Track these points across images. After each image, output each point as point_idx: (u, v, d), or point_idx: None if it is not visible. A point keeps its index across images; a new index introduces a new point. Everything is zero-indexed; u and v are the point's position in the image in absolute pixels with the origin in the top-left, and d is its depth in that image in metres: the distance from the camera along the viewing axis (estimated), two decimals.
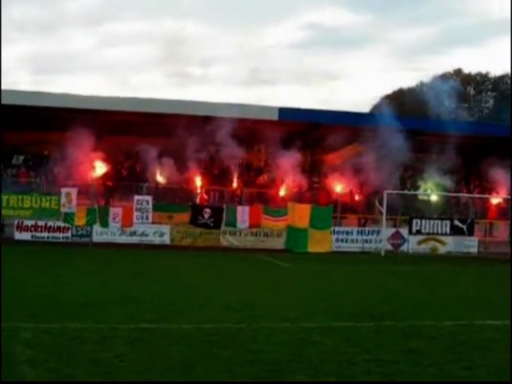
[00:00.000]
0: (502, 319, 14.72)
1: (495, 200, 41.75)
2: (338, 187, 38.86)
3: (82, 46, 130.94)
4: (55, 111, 35.44)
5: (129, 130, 38.24)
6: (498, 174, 40.25)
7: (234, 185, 38.69)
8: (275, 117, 38.71)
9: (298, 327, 12.83)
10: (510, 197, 39.91)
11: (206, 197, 37.99)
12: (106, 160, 37.65)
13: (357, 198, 39.49)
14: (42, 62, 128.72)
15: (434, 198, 40.98)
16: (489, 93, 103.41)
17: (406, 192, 40.55)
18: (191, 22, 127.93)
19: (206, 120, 35.99)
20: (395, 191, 38.69)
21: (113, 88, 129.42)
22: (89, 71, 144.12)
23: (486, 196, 42.24)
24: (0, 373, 7.32)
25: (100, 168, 37.34)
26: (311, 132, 40.37)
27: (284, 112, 39.18)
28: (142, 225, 34.87)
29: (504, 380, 8.04)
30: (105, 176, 37.50)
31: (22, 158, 38.45)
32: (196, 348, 10.56)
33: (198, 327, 12.38)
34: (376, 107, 78.93)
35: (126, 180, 38.48)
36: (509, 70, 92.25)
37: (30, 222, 34.24)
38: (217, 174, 39.06)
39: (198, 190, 37.59)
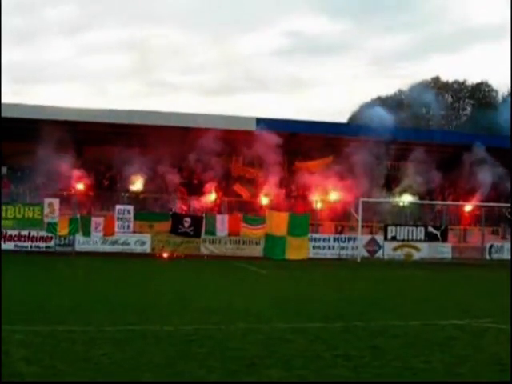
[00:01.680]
0: (466, 319, 15.62)
1: (468, 207, 42.76)
2: (316, 196, 39.76)
3: (61, 55, 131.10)
4: (37, 123, 35.99)
5: (109, 140, 38.89)
6: (472, 182, 41.34)
7: (213, 195, 39.37)
8: (253, 127, 39.41)
9: (272, 328, 13.70)
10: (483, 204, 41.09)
11: (184, 207, 38.81)
12: (87, 170, 38.38)
13: (334, 206, 40.24)
14: (20, 71, 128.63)
15: (408, 205, 41.91)
16: (466, 100, 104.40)
17: (381, 200, 41.46)
18: (170, 30, 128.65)
19: (185, 130, 36.81)
20: (371, 199, 39.63)
21: (91, 97, 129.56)
22: (67, 80, 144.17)
23: (460, 203, 43.27)
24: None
25: (81, 178, 38.07)
26: (289, 142, 41.14)
27: (262, 122, 39.88)
28: (123, 234, 35.63)
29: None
30: (86, 186, 38.22)
31: (5, 168, 39.01)
32: (177, 347, 11.40)
33: (179, 329, 13.22)
34: (355, 115, 79.91)
35: (107, 190, 39.23)
36: (485, 78, 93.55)
37: (13, 232, 34.93)
38: (196, 184, 39.81)
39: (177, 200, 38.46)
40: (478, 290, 24.25)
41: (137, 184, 38.78)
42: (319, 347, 11.72)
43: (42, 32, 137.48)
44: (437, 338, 12.99)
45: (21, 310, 14.93)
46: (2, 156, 37.32)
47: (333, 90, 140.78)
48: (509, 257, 40.36)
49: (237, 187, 41.07)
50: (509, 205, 41.77)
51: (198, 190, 39.41)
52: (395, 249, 39.19)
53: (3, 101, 36.97)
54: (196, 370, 9.75)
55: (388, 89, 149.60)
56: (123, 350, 10.99)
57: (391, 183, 43.93)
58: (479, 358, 11.19)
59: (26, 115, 36.52)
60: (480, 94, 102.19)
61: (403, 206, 42.12)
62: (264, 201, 39.07)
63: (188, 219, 36.00)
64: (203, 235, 36.49)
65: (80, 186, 38.24)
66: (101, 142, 39.70)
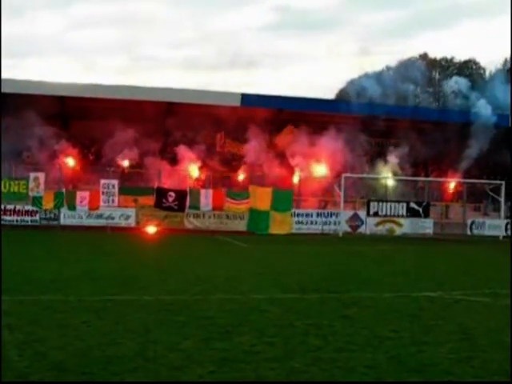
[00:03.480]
0: (438, 291, 16.06)
1: (451, 183, 43.26)
2: (300, 171, 40.15)
3: (49, 29, 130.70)
4: (23, 97, 36.16)
5: (95, 115, 39.08)
6: (455, 159, 41.80)
7: (198, 169, 39.68)
8: (238, 103, 39.67)
9: (248, 298, 14.13)
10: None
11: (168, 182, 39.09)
12: (72, 145, 38.62)
13: (317, 181, 40.62)
14: (8, 45, 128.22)
15: (391, 181, 42.36)
16: (454, 78, 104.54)
17: (364, 176, 41.90)
18: (157, 5, 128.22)
19: (170, 106, 37.04)
20: (353, 175, 40.06)
21: (80, 71, 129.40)
22: (56, 54, 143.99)
23: (442, 179, 43.75)
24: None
25: (67, 153, 38.34)
26: (274, 118, 41.41)
27: (247, 98, 40.14)
28: (108, 208, 35.96)
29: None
30: (72, 160, 38.50)
31: None
32: (154, 315, 11.81)
33: (158, 299, 13.64)
34: (342, 91, 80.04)
35: (93, 164, 39.51)
36: (473, 56, 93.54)
37: None
38: (180, 159, 40.09)
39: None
40: (455, 264, 24.71)
41: (122, 158, 39.03)
42: (292, 317, 12.14)
43: (30, 6, 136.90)
44: (407, 309, 13.42)
45: (5, 281, 15.27)
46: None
47: (321, 67, 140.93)
48: (490, 233, 40.95)
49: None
50: (490, 181, 42.27)
51: (182, 165, 39.69)
52: (377, 224, 39.65)
53: None
54: (171, 337, 10.16)
55: (376, 65, 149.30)
56: (102, 318, 11.41)
57: (375, 159, 44.31)
58: (445, 328, 11.63)
59: (12, 90, 36.59)
60: (468, 72, 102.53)
61: (386, 182, 42.54)
62: (247, 176, 39.40)
63: (172, 193, 36.35)
64: (187, 209, 36.87)
65: (65, 161, 38.48)
66: (87, 116, 39.85)
